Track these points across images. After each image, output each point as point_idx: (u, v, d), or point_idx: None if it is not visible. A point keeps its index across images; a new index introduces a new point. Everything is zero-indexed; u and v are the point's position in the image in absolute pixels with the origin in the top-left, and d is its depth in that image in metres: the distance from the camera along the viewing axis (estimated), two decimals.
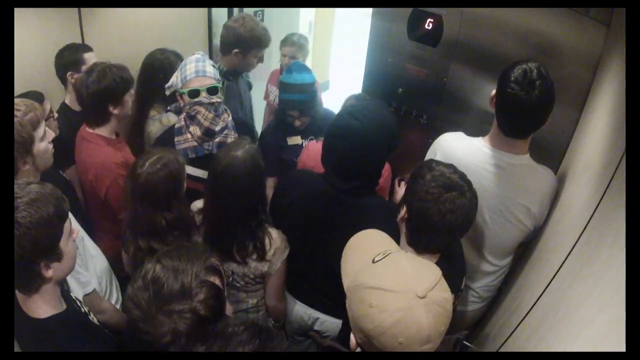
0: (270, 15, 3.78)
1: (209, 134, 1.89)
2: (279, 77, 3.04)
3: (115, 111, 1.90)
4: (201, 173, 1.96)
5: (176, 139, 1.93)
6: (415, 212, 1.28)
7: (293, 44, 2.99)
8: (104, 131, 1.93)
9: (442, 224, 1.24)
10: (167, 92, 1.91)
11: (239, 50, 2.42)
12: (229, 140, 1.94)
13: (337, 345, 1.29)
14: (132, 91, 1.99)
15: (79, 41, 2.38)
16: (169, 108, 2.09)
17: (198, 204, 1.71)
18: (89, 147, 1.90)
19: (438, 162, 1.35)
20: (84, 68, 2.10)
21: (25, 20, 2.11)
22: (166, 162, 1.55)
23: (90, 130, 1.92)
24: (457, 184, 1.26)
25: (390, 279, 0.92)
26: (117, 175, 1.85)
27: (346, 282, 1.03)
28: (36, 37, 2.20)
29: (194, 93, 1.82)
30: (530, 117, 1.47)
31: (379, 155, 1.57)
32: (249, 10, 3.47)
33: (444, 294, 0.92)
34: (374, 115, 1.53)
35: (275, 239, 1.63)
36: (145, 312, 0.99)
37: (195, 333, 0.99)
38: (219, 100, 1.87)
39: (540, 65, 1.45)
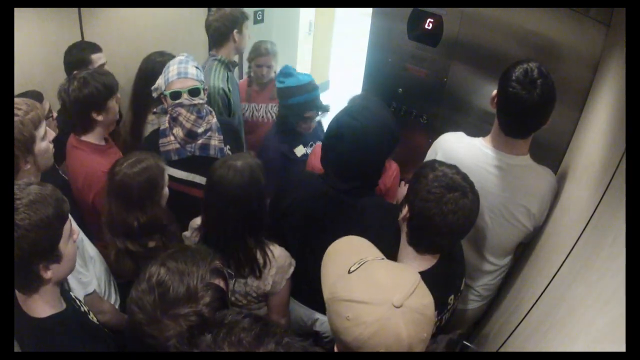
0: (270, 15, 3.78)
1: (191, 135, 1.88)
2: (247, 90, 2.90)
3: (100, 118, 1.85)
4: (184, 175, 1.95)
5: (160, 140, 1.92)
6: (416, 211, 1.28)
7: (268, 52, 2.86)
8: (91, 138, 1.89)
9: (443, 224, 1.23)
10: (154, 95, 1.90)
11: (237, 29, 2.44)
12: (213, 142, 1.92)
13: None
14: (118, 95, 1.95)
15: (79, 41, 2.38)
16: (155, 110, 2.08)
17: (198, 221, 1.67)
18: (79, 155, 1.88)
19: (441, 163, 1.34)
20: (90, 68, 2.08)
21: (25, 20, 2.11)
22: (145, 166, 1.55)
23: (78, 138, 1.89)
24: (460, 185, 1.25)
25: (364, 290, 0.90)
26: (104, 183, 1.79)
27: (325, 293, 1.01)
28: (36, 37, 2.20)
29: (176, 95, 1.81)
30: (531, 117, 1.47)
31: (379, 155, 1.57)
32: (249, 10, 3.48)
33: (422, 300, 0.90)
34: (374, 115, 1.53)
35: (277, 257, 1.57)
36: (150, 316, 0.97)
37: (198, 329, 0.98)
38: (200, 101, 1.85)
39: (541, 65, 1.45)
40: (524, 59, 1.50)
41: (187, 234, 1.73)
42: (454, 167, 1.31)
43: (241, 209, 1.50)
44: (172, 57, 2.34)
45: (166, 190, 1.67)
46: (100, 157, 1.90)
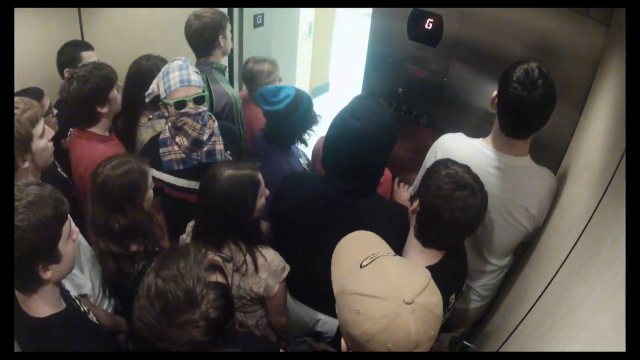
0: (270, 18, 3.78)
1: (197, 144, 1.84)
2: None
3: (104, 110, 1.90)
4: (186, 183, 1.93)
5: (161, 150, 1.86)
6: (426, 206, 1.33)
7: (276, 66, 2.69)
8: (96, 129, 1.94)
9: (452, 220, 1.28)
10: (147, 100, 1.86)
11: (222, 34, 2.39)
12: (218, 147, 1.89)
13: (331, 349, 1.28)
14: (119, 83, 1.97)
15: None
16: (151, 117, 2.02)
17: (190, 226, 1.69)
18: (84, 144, 1.92)
19: (454, 162, 1.38)
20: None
21: (25, 20, 2.11)
22: (127, 169, 1.55)
23: (83, 129, 1.93)
24: (470, 184, 1.30)
25: (376, 285, 0.90)
26: None
27: (335, 287, 1.02)
28: (36, 36, 2.20)
29: (181, 104, 1.76)
30: (532, 117, 1.48)
31: (381, 154, 1.57)
32: (248, 10, 3.48)
33: (432, 298, 0.91)
34: (374, 115, 1.53)
35: (270, 261, 1.57)
36: (157, 330, 0.95)
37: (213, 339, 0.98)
38: (205, 109, 1.82)
39: (541, 65, 1.45)
40: (523, 59, 1.50)
41: (183, 236, 1.73)
42: (465, 167, 1.36)
43: (222, 216, 1.52)
44: (159, 59, 2.32)
45: (150, 194, 1.65)
46: (105, 146, 1.92)
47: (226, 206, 1.51)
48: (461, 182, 1.29)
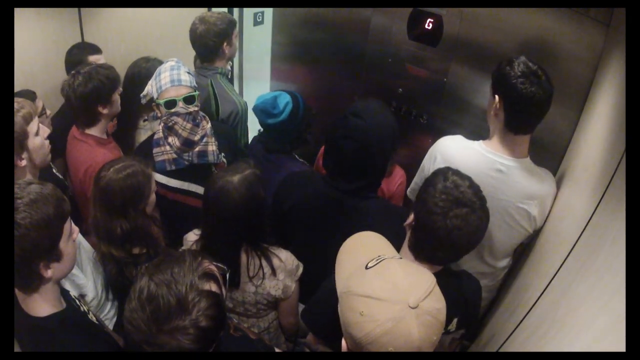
0: (270, 16, 3.77)
1: (188, 144, 1.82)
2: None
3: (105, 111, 1.90)
4: (179, 184, 1.92)
5: (154, 150, 1.86)
6: (421, 222, 1.22)
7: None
8: (94, 131, 1.93)
9: (447, 239, 1.18)
10: (143, 101, 1.85)
11: (227, 42, 2.34)
12: (210, 148, 1.88)
13: (329, 350, 1.28)
14: (120, 89, 1.98)
15: (79, 41, 2.38)
16: (146, 117, 2.03)
17: (191, 237, 1.66)
18: (82, 147, 1.90)
19: (454, 172, 1.27)
20: None
21: (25, 20, 2.12)
22: (130, 172, 1.53)
23: (81, 131, 1.92)
24: (469, 200, 1.18)
25: (381, 288, 0.90)
26: None
27: (339, 286, 1.01)
28: (36, 37, 2.20)
29: (171, 103, 1.75)
30: (544, 107, 1.49)
31: (384, 154, 1.56)
32: (248, 10, 3.47)
33: (436, 303, 0.90)
34: (377, 114, 1.54)
35: (285, 261, 1.57)
36: (146, 334, 0.93)
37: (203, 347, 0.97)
38: (196, 108, 1.81)
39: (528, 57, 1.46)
40: (509, 57, 1.50)
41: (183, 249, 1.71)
42: (467, 179, 1.24)
43: (239, 224, 1.49)
44: (158, 61, 2.29)
45: (153, 197, 1.64)
46: (104, 149, 1.92)
47: (250, 210, 1.48)
48: (460, 198, 1.17)
